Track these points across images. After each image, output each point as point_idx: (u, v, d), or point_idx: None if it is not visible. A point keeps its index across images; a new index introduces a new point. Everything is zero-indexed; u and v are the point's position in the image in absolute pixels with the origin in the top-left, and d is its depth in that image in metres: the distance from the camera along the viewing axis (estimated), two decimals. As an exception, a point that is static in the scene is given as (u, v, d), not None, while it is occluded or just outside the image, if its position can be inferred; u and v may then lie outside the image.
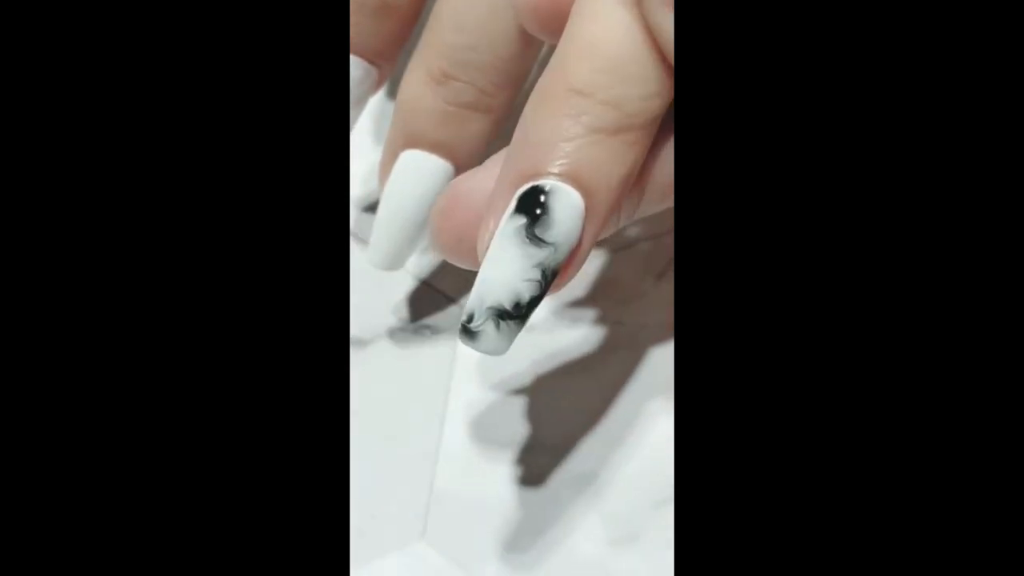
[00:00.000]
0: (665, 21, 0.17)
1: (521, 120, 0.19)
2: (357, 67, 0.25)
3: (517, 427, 0.26)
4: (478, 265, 0.19)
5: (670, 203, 0.20)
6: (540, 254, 0.18)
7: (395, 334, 0.27)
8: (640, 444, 0.26)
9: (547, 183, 0.18)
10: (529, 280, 0.18)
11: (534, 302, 0.18)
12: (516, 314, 0.18)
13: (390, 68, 0.26)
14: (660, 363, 0.27)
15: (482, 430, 0.26)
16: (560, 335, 0.27)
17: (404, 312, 0.28)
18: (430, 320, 0.28)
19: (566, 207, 0.18)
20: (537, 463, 0.26)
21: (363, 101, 0.27)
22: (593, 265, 0.29)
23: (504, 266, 0.18)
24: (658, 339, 0.27)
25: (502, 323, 0.18)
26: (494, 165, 0.19)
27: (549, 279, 0.18)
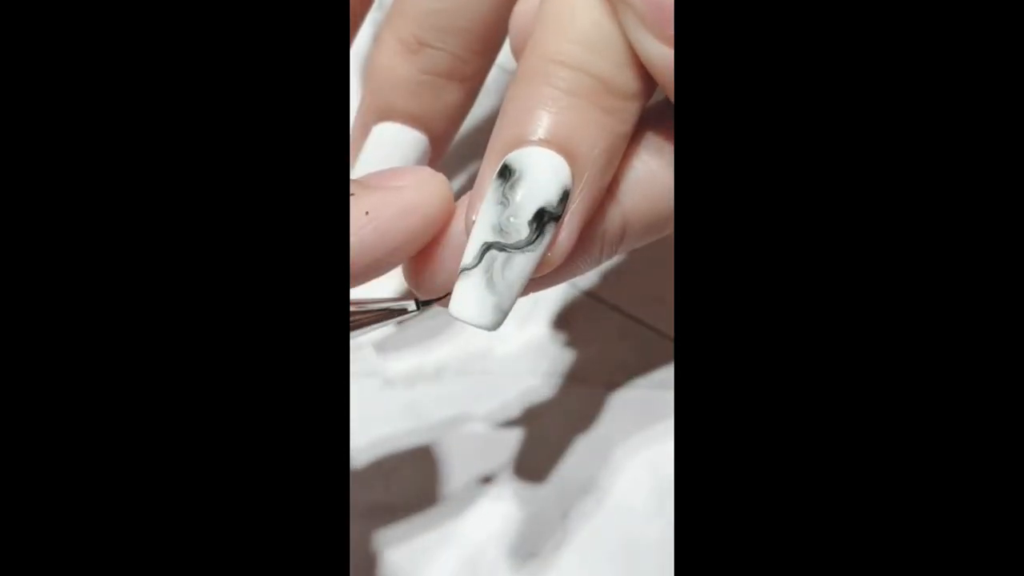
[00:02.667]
0: (651, 46, 0.18)
1: (504, 101, 0.19)
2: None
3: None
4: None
5: (653, 237, 0.20)
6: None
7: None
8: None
9: (525, 149, 0.18)
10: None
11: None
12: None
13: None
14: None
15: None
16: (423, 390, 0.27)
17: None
18: None
19: (542, 166, 0.18)
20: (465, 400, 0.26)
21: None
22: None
23: (482, 228, 0.18)
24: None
25: (484, 290, 0.18)
26: (459, 209, 0.19)
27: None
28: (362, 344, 0.28)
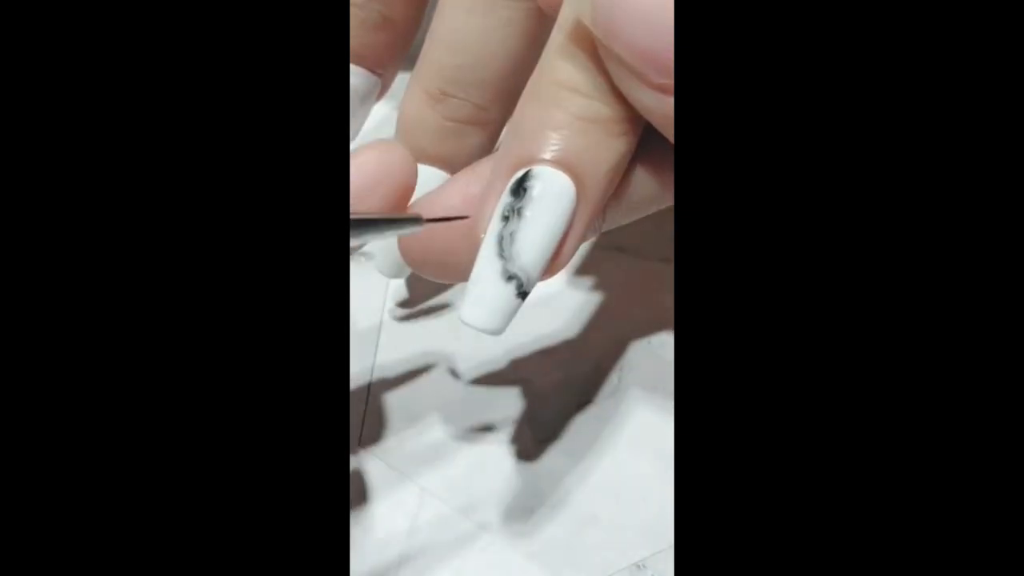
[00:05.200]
0: (642, 95, 0.18)
1: (514, 115, 0.20)
2: (361, 76, 0.27)
3: (449, 342, 0.28)
4: (445, 278, 0.20)
5: (634, 217, 0.21)
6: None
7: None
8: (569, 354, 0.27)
9: (537, 168, 0.19)
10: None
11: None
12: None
13: (391, 76, 0.28)
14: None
15: (414, 347, 0.28)
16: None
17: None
18: (366, 248, 0.30)
19: (553, 188, 0.19)
20: (469, 374, 0.28)
21: (368, 107, 0.28)
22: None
23: (491, 243, 0.19)
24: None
25: (494, 296, 0.19)
26: (459, 181, 0.21)
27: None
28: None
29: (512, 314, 0.19)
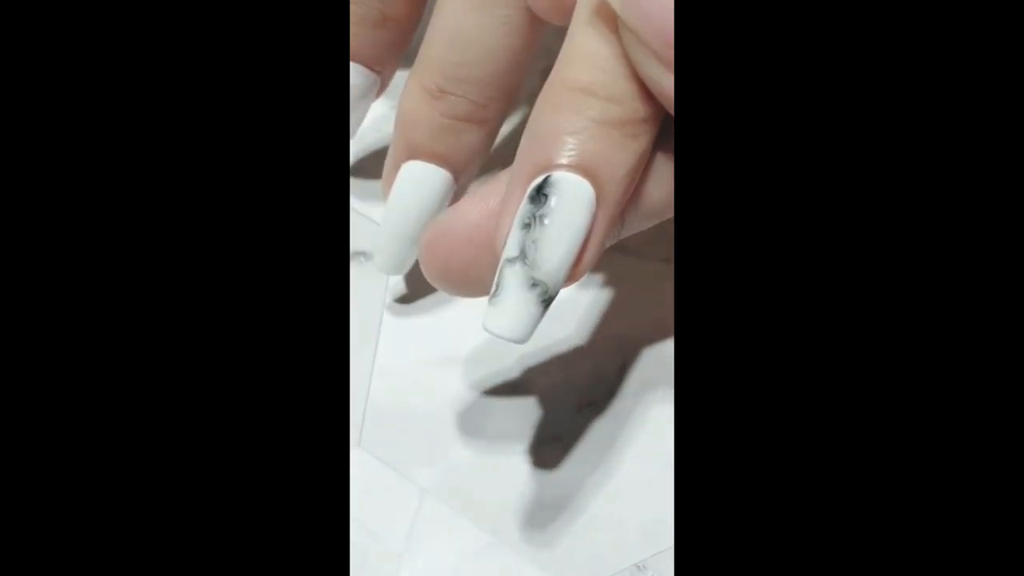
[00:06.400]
0: (655, 72, 0.18)
1: (529, 122, 0.20)
2: (359, 74, 0.26)
3: (449, 342, 0.28)
4: (466, 293, 0.20)
5: (653, 222, 0.21)
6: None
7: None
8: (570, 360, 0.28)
9: (556, 174, 0.19)
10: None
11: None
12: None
13: (390, 74, 0.28)
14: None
15: (414, 348, 0.28)
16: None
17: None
18: (364, 247, 0.30)
19: (573, 193, 0.19)
20: (469, 375, 0.28)
21: (366, 105, 0.28)
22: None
23: (513, 251, 0.19)
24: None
25: (518, 304, 0.19)
26: (477, 195, 0.21)
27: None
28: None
29: (536, 322, 0.19)
